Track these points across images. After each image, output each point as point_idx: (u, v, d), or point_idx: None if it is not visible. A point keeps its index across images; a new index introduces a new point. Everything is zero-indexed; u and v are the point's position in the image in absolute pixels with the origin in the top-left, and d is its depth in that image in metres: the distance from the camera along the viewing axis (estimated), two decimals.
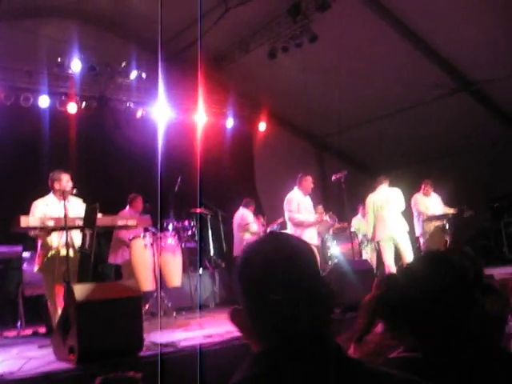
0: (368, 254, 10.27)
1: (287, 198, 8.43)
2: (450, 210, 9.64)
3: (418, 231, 9.74)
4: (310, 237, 8.14)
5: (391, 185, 8.94)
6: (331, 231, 10.27)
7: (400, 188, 8.89)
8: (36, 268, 6.20)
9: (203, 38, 9.88)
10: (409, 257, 8.33)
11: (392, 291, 1.81)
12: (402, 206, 8.73)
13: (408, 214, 9.30)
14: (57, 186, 6.18)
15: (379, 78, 10.71)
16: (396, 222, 8.61)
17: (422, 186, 9.88)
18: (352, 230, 10.04)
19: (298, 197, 8.39)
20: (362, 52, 10.36)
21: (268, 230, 9.72)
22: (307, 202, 8.50)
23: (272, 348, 1.21)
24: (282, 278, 1.21)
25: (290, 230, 8.36)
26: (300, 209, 8.33)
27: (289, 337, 1.20)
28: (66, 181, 6.20)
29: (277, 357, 1.19)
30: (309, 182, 8.47)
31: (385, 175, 9.17)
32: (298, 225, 8.26)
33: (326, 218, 8.93)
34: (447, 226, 9.36)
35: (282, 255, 1.25)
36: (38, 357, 4.74)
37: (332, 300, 1.28)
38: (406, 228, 8.70)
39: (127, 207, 8.54)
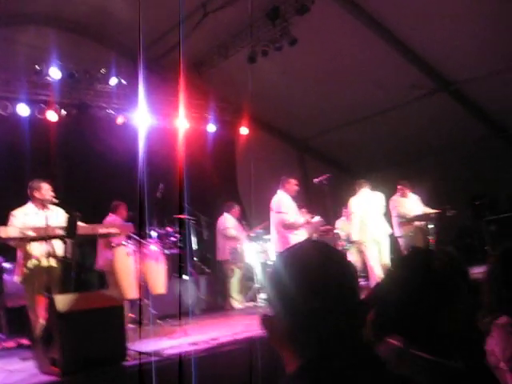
0: (353, 256, 10.28)
1: (276, 200, 8.31)
2: (431, 210, 9.67)
3: (397, 232, 9.77)
4: (301, 239, 7.99)
5: (373, 188, 9.03)
6: (317, 234, 10.26)
7: (382, 189, 9.01)
8: (16, 278, 6.12)
9: (183, 43, 9.84)
10: (387, 259, 8.59)
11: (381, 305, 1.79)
12: (384, 209, 8.95)
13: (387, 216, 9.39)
14: (37, 194, 6.11)
15: (359, 79, 10.76)
16: (379, 225, 8.78)
17: (398, 188, 9.93)
18: (336, 231, 10.09)
19: (285, 199, 8.29)
20: (341, 54, 10.40)
21: (251, 234, 9.70)
22: (293, 204, 8.40)
23: (314, 361, 1.19)
24: (324, 287, 1.19)
25: (276, 232, 8.22)
26: (289, 211, 8.23)
27: (331, 348, 1.18)
28: (46, 189, 6.13)
29: (320, 370, 1.17)
30: (292, 184, 8.40)
31: (366, 179, 9.29)
32: (289, 227, 8.11)
33: (315, 219, 8.83)
34: (430, 226, 9.39)
35: (324, 264, 1.23)
36: (20, 370, 4.67)
37: (367, 310, 1.27)
38: (389, 231, 8.89)
39: (111, 214, 8.48)
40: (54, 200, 6.02)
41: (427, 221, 9.47)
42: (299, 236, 7.96)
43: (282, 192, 8.37)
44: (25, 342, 6.93)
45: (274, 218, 8.30)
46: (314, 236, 10.09)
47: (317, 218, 8.78)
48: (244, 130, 12.09)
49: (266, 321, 1.28)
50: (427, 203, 9.95)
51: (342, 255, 1.30)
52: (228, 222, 9.77)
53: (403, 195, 9.89)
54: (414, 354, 1.61)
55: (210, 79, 11.49)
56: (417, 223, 9.65)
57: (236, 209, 10.03)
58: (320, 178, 8.36)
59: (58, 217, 5.97)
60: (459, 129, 11.91)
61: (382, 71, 10.56)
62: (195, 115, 11.44)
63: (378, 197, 8.96)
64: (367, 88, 10.97)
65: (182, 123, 10.89)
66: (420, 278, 1.67)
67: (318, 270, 1.22)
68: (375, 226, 8.72)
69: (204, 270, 9.96)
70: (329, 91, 11.36)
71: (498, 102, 11.29)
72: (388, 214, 9.51)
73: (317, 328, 1.19)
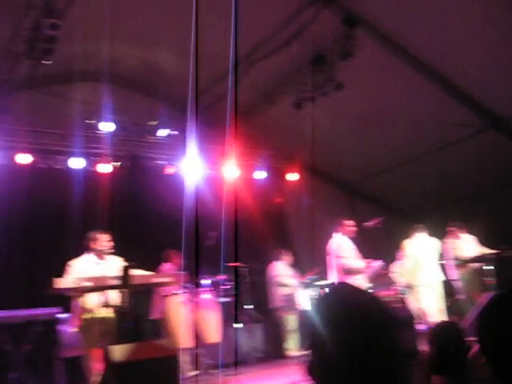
0: (412, 300, 10.03)
1: (335, 243, 8.09)
2: (488, 251, 9.38)
3: (452, 275, 9.49)
4: (359, 284, 7.65)
5: (429, 233, 9.03)
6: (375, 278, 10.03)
7: (433, 231, 8.92)
8: (74, 328, 6.17)
9: (229, 92, 10.01)
10: (441, 304, 8.65)
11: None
12: (438, 254, 8.96)
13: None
14: (94, 245, 6.21)
15: (405, 120, 10.66)
16: (433, 269, 8.72)
17: (449, 230, 9.70)
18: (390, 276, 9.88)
19: (345, 242, 8.07)
20: (387, 96, 10.36)
21: (304, 280, 9.58)
22: (353, 247, 8.15)
23: None
24: (352, 335, 1.19)
25: (336, 277, 7.95)
26: (349, 255, 7.99)
27: None
28: (105, 240, 6.24)
29: None
30: (350, 226, 8.21)
31: (420, 222, 9.19)
32: (349, 272, 7.85)
33: (376, 263, 8.53)
34: (486, 268, 9.08)
35: (356, 309, 1.23)
36: None
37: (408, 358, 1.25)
38: (442, 277, 8.81)
39: (165, 264, 8.52)
40: (111, 250, 6.10)
41: (485, 262, 9.17)
42: (359, 280, 7.77)
43: (340, 235, 8.16)
44: None
45: (332, 262, 8.04)
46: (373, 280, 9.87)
47: (378, 263, 8.54)
48: (294, 176, 12.10)
49: (310, 367, 1.27)
50: (483, 244, 9.66)
51: (374, 299, 1.29)
52: (279, 269, 9.67)
53: (455, 237, 9.64)
54: None
55: (258, 126, 11.60)
56: (473, 265, 9.35)
57: (287, 256, 9.94)
58: (373, 222, 8.21)
59: (114, 267, 6.03)
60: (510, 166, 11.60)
61: (429, 111, 10.45)
62: (245, 163, 11.52)
63: (434, 242, 8.90)
64: (414, 128, 10.85)
65: (231, 171, 10.97)
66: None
67: (347, 319, 1.21)
68: (429, 270, 8.55)
69: (258, 318, 9.86)
70: (376, 133, 11.30)
71: None
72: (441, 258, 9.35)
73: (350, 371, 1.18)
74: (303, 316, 9.43)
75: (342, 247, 7.98)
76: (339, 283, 1.39)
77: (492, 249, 9.35)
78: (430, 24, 8.95)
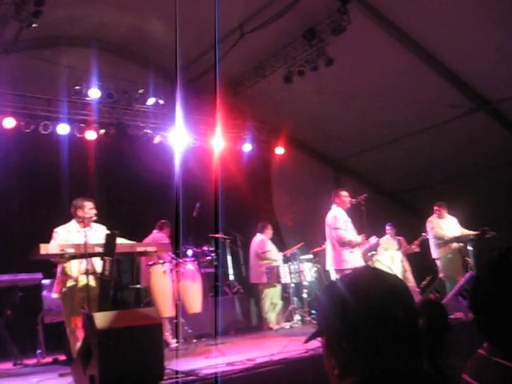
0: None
1: (332, 215, 7.83)
2: (469, 232, 9.50)
3: (435, 254, 9.62)
4: (357, 259, 7.59)
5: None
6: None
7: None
8: (55, 295, 6.18)
9: (219, 63, 9.94)
10: None
11: None
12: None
13: None
14: (79, 213, 6.19)
15: (395, 99, 10.67)
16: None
17: (435, 209, 9.79)
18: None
19: (341, 214, 7.80)
20: (377, 74, 10.34)
21: (287, 254, 9.64)
22: (348, 219, 7.87)
23: (364, 381, 1.21)
24: (386, 315, 1.22)
25: (332, 249, 7.74)
26: (347, 228, 7.76)
27: (384, 373, 1.20)
28: (89, 208, 6.21)
29: None
30: (347, 196, 7.93)
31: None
32: (346, 244, 7.60)
33: (373, 239, 8.37)
34: (469, 248, 9.20)
35: (387, 292, 1.27)
36: None
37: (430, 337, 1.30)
38: None
39: (157, 232, 8.55)
40: (95, 218, 6.09)
41: (466, 243, 9.29)
42: (355, 254, 7.63)
43: (336, 207, 7.91)
44: (61, 357, 7.01)
45: (330, 233, 7.80)
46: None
47: (374, 239, 8.44)
48: (280, 150, 12.09)
49: (323, 339, 1.31)
50: (466, 225, 9.78)
51: (399, 282, 1.33)
52: (266, 244, 9.62)
53: (440, 216, 9.74)
54: (499, 363, 1.57)
55: (247, 99, 11.56)
56: (455, 245, 9.48)
57: (269, 229, 9.87)
58: (357, 199, 8.16)
59: (99, 235, 6.03)
60: (499, 148, 11.69)
61: (419, 90, 10.46)
62: (231, 135, 11.49)
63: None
64: (404, 107, 10.87)
65: (218, 142, 10.94)
66: None
67: (382, 300, 1.25)
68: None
69: (239, 290, 9.92)
70: (365, 111, 11.30)
71: None
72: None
73: (373, 354, 1.21)
74: (284, 289, 9.53)
75: (337, 219, 7.74)
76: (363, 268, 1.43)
77: (473, 230, 9.47)
78: (423, 4, 8.92)
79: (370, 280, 1.30)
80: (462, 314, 6.41)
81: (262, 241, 9.64)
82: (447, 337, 1.76)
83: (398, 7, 9.14)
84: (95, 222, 6.22)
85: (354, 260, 7.47)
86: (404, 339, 1.21)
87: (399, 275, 10.04)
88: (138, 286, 8.52)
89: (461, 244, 9.40)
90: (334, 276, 7.68)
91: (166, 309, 7.35)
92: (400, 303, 1.25)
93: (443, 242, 9.52)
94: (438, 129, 11.48)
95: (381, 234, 10.34)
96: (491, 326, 1.61)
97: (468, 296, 1.91)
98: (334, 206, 7.93)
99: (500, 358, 1.54)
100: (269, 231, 9.82)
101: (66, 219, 6.29)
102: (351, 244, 7.63)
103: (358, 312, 1.24)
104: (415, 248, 10.44)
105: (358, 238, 7.77)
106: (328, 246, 7.91)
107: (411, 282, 10.06)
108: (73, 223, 6.22)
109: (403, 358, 1.21)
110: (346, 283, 1.31)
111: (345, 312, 1.26)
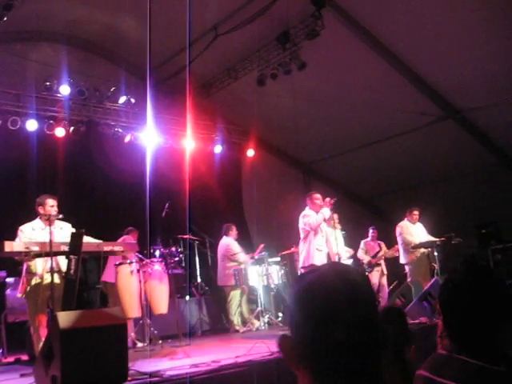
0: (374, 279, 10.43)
1: (305, 213, 7.78)
2: (435, 238, 9.62)
3: (403, 259, 9.72)
4: (323, 258, 7.60)
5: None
6: None
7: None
8: (19, 294, 6.09)
9: (192, 64, 9.92)
10: None
11: None
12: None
13: None
14: (41, 210, 6.09)
15: (366, 105, 10.78)
16: None
17: (408, 213, 9.84)
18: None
19: (314, 215, 7.73)
20: (350, 79, 10.45)
21: (255, 256, 9.62)
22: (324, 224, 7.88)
23: None
24: (348, 316, 1.18)
25: (305, 250, 7.70)
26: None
27: (347, 377, 1.17)
28: (50, 205, 6.10)
29: None
30: (319, 199, 7.90)
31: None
32: (315, 224, 7.55)
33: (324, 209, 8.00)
34: (435, 253, 9.32)
35: (350, 291, 1.21)
36: None
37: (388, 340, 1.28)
38: None
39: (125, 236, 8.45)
40: (59, 216, 5.99)
41: (432, 248, 9.40)
42: (322, 253, 7.61)
43: (308, 209, 7.86)
44: (24, 357, 6.90)
45: (303, 230, 7.76)
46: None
47: (326, 210, 7.95)
48: (251, 152, 12.10)
49: (283, 341, 1.25)
50: (432, 231, 9.89)
51: (365, 282, 1.28)
52: (234, 247, 9.56)
53: (413, 221, 9.79)
54: (460, 359, 1.65)
55: (219, 100, 11.55)
56: (422, 250, 9.59)
57: (234, 230, 9.79)
58: (327, 202, 8.15)
59: (64, 233, 5.95)
60: (466, 157, 11.91)
61: (390, 97, 10.59)
62: (202, 136, 11.46)
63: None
64: (375, 113, 10.99)
65: (189, 143, 10.90)
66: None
67: (343, 300, 1.19)
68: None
69: (206, 291, 9.89)
70: (336, 116, 11.39)
71: (503, 132, 11.32)
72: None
73: (337, 356, 1.17)
74: (251, 291, 9.52)
75: (309, 215, 7.70)
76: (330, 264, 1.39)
77: (439, 236, 9.59)
78: (397, 13, 9.04)
79: (333, 278, 1.24)
80: (427, 319, 6.50)
81: (229, 243, 9.59)
82: (409, 342, 1.78)
83: (371, 14, 9.25)
84: (62, 219, 6.14)
85: (320, 258, 7.51)
86: (361, 341, 1.18)
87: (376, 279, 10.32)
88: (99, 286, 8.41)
89: (428, 250, 9.52)
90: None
91: (133, 309, 7.29)
92: (365, 304, 1.22)
93: (411, 248, 9.62)
94: (408, 136, 11.63)
95: (350, 238, 10.38)
96: (456, 326, 1.73)
97: (433, 301, 1.96)
98: (306, 208, 7.95)
99: (461, 354, 1.65)
100: (233, 232, 9.74)
101: (31, 217, 6.19)
102: (318, 221, 7.59)
103: (319, 312, 1.20)
104: (395, 252, 10.51)
105: (321, 217, 7.67)
106: (300, 246, 7.90)
107: (385, 286, 10.41)
108: (37, 221, 6.12)
109: (361, 361, 1.19)
110: (308, 280, 1.27)
111: (304, 311, 1.23)
